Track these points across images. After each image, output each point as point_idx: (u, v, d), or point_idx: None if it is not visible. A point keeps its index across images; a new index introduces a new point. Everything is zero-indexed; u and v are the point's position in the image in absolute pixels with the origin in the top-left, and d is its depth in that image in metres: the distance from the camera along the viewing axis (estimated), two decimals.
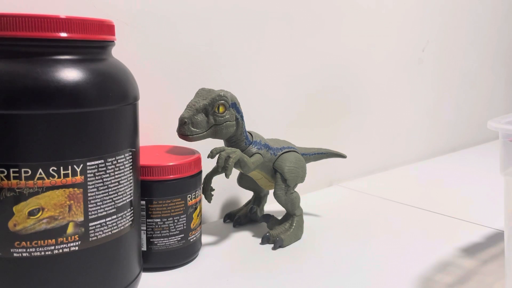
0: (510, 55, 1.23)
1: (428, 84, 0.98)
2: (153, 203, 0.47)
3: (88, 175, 0.36)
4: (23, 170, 0.33)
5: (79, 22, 0.35)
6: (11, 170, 0.33)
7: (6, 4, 0.45)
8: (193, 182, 0.49)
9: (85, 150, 0.35)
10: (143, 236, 0.48)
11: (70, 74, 0.34)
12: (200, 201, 0.51)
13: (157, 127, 0.57)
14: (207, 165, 0.62)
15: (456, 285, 0.46)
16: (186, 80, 0.59)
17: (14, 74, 0.33)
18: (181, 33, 0.58)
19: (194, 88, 0.60)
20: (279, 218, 0.62)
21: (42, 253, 0.34)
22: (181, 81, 0.59)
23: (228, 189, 0.66)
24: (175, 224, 0.48)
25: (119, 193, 0.38)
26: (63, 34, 0.34)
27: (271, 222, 0.57)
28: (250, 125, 0.67)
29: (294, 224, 0.56)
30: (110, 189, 0.37)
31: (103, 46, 0.38)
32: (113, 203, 0.38)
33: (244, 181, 0.61)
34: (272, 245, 0.55)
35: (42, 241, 0.34)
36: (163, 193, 0.47)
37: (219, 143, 0.63)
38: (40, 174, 0.34)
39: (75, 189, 0.35)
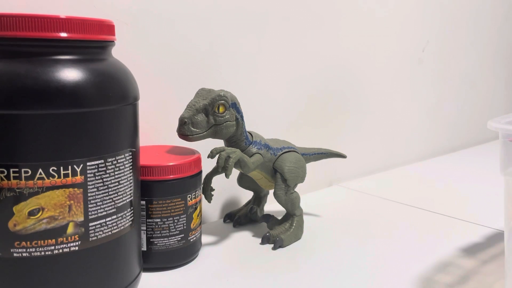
0: (510, 55, 1.23)
1: (428, 84, 0.98)
2: (153, 203, 0.47)
3: (88, 175, 0.36)
4: (23, 170, 0.33)
5: (79, 22, 0.35)
6: (11, 170, 0.33)
7: (6, 4, 0.45)
8: (193, 182, 0.49)
9: (85, 150, 0.35)
10: (143, 236, 0.48)
11: (70, 74, 0.34)
12: (200, 201, 0.51)
13: (157, 127, 0.57)
14: (207, 165, 0.62)
15: (456, 285, 0.46)
16: (186, 80, 0.59)
17: (14, 74, 0.33)
18: (181, 33, 0.58)
19: (194, 88, 0.60)
20: (279, 218, 0.62)
21: (42, 253, 0.34)
22: (181, 81, 0.59)
23: (228, 189, 0.66)
24: (175, 224, 0.48)
25: (119, 193, 0.38)
26: (63, 34, 0.34)
27: (271, 222, 0.57)
28: (250, 125, 0.67)
29: (294, 224, 0.56)
30: (110, 189, 0.37)
31: (103, 46, 0.38)
32: (113, 203, 0.38)
33: (244, 181, 0.61)
34: (272, 245, 0.55)
35: (42, 241, 0.34)
36: (163, 193, 0.47)
37: (219, 143, 0.63)
38: (40, 174, 0.34)
39: (75, 189, 0.35)
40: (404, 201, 0.71)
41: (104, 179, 0.37)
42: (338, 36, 0.77)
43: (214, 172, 0.54)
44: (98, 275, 0.37)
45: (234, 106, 0.50)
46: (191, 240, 0.50)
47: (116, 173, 0.38)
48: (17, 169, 0.33)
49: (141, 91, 0.56)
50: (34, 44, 0.34)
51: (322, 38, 0.75)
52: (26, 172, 0.33)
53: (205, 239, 0.57)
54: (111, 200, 0.38)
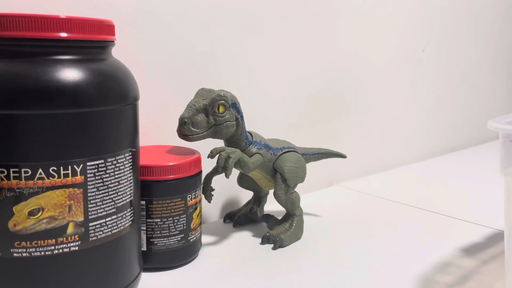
0: (510, 55, 1.23)
1: (428, 84, 0.98)
2: (153, 203, 0.47)
3: (88, 175, 0.36)
4: (23, 170, 0.33)
5: (79, 22, 0.35)
6: (11, 170, 0.33)
7: (6, 4, 0.45)
8: (193, 182, 0.49)
9: (85, 150, 0.35)
10: (143, 236, 0.48)
11: (70, 74, 0.34)
12: (200, 201, 0.51)
13: (157, 127, 0.57)
14: (207, 165, 0.62)
15: (456, 285, 0.46)
16: (186, 80, 0.59)
17: (14, 74, 0.33)
18: (181, 33, 0.58)
19: (194, 88, 0.60)
20: (279, 218, 0.62)
21: (42, 253, 0.34)
22: (181, 81, 0.59)
23: (228, 189, 0.66)
24: (175, 224, 0.48)
25: (119, 193, 0.38)
26: (63, 34, 0.34)
27: (271, 222, 0.57)
28: (250, 125, 0.67)
29: (294, 224, 0.56)
30: (110, 189, 0.37)
31: (103, 46, 0.38)
32: (113, 203, 0.38)
33: (244, 181, 0.61)
34: (272, 245, 0.55)
35: (42, 241, 0.34)
36: (163, 193, 0.47)
37: (219, 143, 0.63)
38: (40, 174, 0.34)
39: (75, 189, 0.35)
40: (404, 201, 0.71)
41: (104, 179, 0.37)
42: (338, 36, 0.77)
43: (214, 172, 0.54)
44: (98, 275, 0.37)
45: (234, 106, 0.50)
46: (191, 240, 0.50)
47: (116, 173, 0.38)
48: (17, 169, 0.33)
49: (141, 91, 0.56)
50: (34, 44, 0.34)
51: (322, 38, 0.75)
52: (26, 172, 0.33)
53: (205, 239, 0.57)
54: (111, 200, 0.38)
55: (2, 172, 0.33)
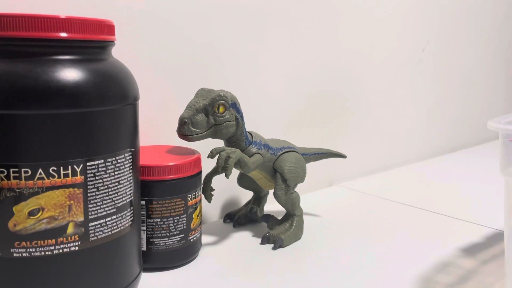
0: (510, 55, 1.23)
1: (428, 84, 0.98)
2: (153, 203, 0.47)
3: (88, 175, 0.36)
4: (23, 170, 0.33)
5: (79, 22, 0.35)
6: (11, 170, 0.33)
7: (6, 4, 0.45)
8: (193, 182, 0.49)
9: (85, 150, 0.35)
10: (143, 236, 0.48)
11: (70, 74, 0.34)
12: (200, 201, 0.51)
13: (157, 127, 0.57)
14: (207, 165, 0.62)
15: (456, 285, 0.46)
16: (186, 80, 0.59)
17: (14, 74, 0.33)
18: (181, 33, 0.58)
19: (194, 88, 0.60)
20: (279, 218, 0.62)
21: (42, 253, 0.34)
22: (181, 81, 0.59)
23: (228, 189, 0.66)
24: (175, 224, 0.48)
25: (119, 193, 0.38)
26: (63, 34, 0.34)
27: (271, 222, 0.57)
28: (250, 125, 0.67)
29: (294, 224, 0.56)
30: (110, 189, 0.37)
31: (103, 46, 0.38)
32: (113, 203, 0.38)
33: (244, 181, 0.61)
34: (272, 245, 0.55)
35: (42, 241, 0.34)
36: (163, 193, 0.47)
37: (219, 143, 0.63)
38: (40, 174, 0.34)
39: (75, 189, 0.35)
40: (404, 201, 0.71)
41: (104, 179, 0.37)
42: (338, 36, 0.77)
43: (214, 172, 0.54)
44: (98, 275, 0.37)
45: (234, 106, 0.50)
46: (191, 240, 0.50)
47: (116, 173, 0.38)
48: (17, 169, 0.33)
49: (141, 91, 0.56)
50: (34, 44, 0.34)
51: (322, 38, 0.75)
52: (26, 172, 0.33)
53: (205, 239, 0.57)
54: (111, 200, 0.38)
55: (2, 172, 0.33)
